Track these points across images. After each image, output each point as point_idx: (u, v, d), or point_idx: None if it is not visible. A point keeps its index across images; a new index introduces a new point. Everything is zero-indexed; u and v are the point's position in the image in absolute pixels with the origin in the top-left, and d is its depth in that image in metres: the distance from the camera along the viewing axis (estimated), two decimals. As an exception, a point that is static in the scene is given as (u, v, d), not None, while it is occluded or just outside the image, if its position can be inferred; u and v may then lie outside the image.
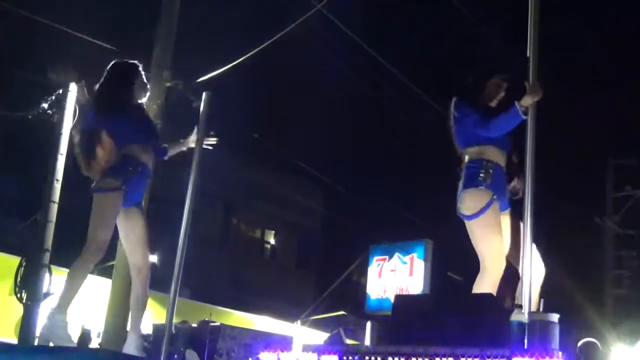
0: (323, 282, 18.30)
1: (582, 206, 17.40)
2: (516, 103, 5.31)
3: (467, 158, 5.71)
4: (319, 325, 16.16)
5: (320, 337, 13.23)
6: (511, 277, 5.54)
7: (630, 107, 15.29)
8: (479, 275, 5.55)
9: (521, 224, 5.34)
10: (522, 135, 5.45)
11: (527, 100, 5.27)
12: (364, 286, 16.50)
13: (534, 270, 5.16)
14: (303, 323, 15.87)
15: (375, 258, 16.36)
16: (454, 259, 15.98)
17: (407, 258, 15.80)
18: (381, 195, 18.69)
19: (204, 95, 6.63)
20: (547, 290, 5.47)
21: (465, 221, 5.61)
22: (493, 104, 5.74)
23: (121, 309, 9.56)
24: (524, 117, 5.28)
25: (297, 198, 20.52)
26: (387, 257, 16.19)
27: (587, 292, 16.67)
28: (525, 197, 5.23)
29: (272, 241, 22.79)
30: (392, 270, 15.98)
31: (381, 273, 16.16)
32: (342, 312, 16.27)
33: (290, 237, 22.70)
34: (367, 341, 5.26)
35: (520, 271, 5.23)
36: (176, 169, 6.82)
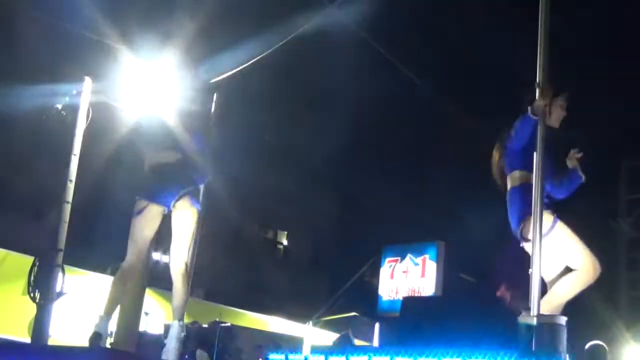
0: (335, 283, 18.31)
1: (595, 208, 17.32)
2: (529, 108, 5.31)
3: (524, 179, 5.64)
4: (330, 326, 16.17)
5: (331, 338, 13.25)
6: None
7: (645, 109, 15.22)
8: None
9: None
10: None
11: (539, 103, 5.28)
12: (376, 287, 16.46)
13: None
14: (315, 324, 15.87)
15: (387, 259, 16.32)
16: (467, 261, 15.94)
17: (419, 259, 15.76)
18: (394, 197, 18.70)
19: (215, 95, 6.68)
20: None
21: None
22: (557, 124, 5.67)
23: (133, 309, 9.62)
24: (535, 117, 5.27)
25: (310, 199, 20.55)
26: (399, 258, 16.14)
27: (601, 295, 16.57)
28: (534, 199, 5.22)
29: (285, 242, 22.82)
30: (404, 272, 15.94)
31: (393, 274, 16.11)
32: (354, 313, 16.25)
33: (303, 238, 22.73)
34: (376, 342, 5.29)
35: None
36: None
